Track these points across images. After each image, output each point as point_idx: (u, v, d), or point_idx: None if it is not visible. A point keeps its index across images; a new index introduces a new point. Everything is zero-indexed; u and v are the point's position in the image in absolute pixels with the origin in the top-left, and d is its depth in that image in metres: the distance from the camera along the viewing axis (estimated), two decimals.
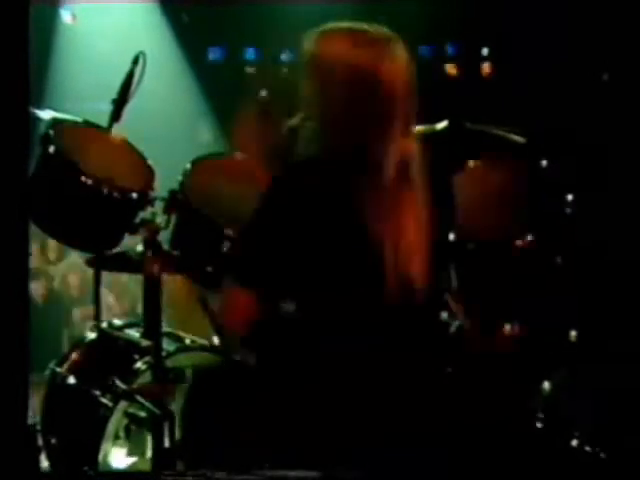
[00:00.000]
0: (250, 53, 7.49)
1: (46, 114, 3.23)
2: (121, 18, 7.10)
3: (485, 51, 7.76)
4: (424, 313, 2.30)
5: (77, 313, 6.32)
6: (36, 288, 6.37)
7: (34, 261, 6.46)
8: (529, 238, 3.03)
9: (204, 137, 7.39)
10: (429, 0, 6.89)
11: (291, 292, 2.27)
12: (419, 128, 3.22)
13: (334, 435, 2.20)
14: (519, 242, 3.03)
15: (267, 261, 2.21)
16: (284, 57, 7.17)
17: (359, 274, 2.20)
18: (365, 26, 2.22)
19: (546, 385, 2.82)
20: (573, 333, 3.01)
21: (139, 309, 5.53)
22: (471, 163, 3.34)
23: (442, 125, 3.29)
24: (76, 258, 6.10)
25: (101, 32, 7.14)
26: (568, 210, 3.10)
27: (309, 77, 2.20)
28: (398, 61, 2.20)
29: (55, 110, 3.26)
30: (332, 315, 2.23)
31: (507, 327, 3.13)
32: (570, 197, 3.13)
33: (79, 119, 3.31)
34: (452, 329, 3.04)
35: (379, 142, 2.18)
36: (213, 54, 7.53)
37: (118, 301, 6.20)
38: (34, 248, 6.46)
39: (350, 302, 2.21)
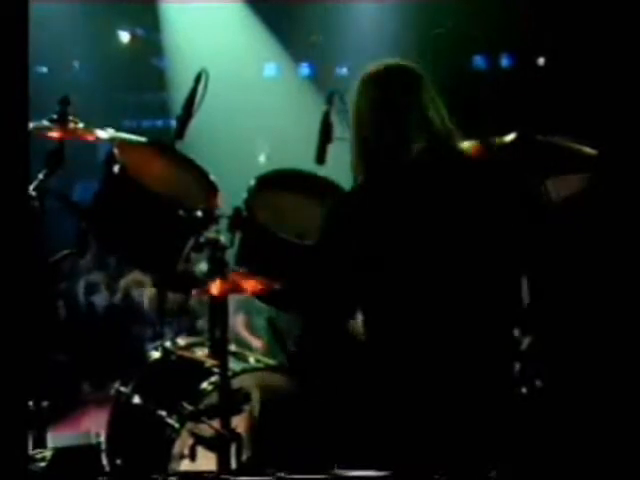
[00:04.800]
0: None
1: (106, 133, 3.21)
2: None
3: (541, 61, 7.67)
4: (493, 329, 2.25)
5: (139, 329, 6.33)
6: (98, 302, 6.42)
7: (95, 274, 6.52)
8: None
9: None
10: (483, 11, 6.83)
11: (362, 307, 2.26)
12: (489, 139, 3.17)
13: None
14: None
15: (346, 277, 2.20)
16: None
17: (422, 285, 2.18)
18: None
19: None
20: None
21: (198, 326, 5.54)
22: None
23: (511, 137, 3.22)
24: (139, 274, 6.12)
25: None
26: None
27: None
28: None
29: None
30: (400, 328, 2.21)
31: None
32: None
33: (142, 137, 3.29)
34: (524, 346, 2.96)
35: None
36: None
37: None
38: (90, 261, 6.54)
39: (416, 315, 2.19)
